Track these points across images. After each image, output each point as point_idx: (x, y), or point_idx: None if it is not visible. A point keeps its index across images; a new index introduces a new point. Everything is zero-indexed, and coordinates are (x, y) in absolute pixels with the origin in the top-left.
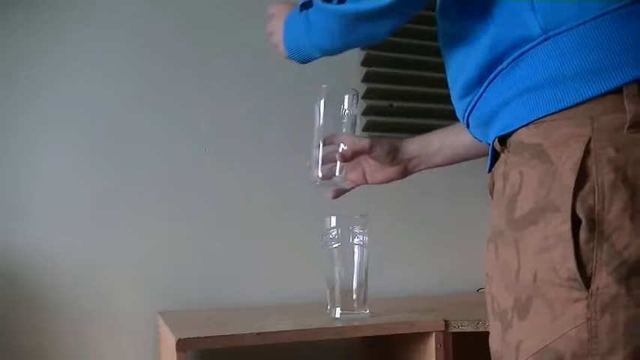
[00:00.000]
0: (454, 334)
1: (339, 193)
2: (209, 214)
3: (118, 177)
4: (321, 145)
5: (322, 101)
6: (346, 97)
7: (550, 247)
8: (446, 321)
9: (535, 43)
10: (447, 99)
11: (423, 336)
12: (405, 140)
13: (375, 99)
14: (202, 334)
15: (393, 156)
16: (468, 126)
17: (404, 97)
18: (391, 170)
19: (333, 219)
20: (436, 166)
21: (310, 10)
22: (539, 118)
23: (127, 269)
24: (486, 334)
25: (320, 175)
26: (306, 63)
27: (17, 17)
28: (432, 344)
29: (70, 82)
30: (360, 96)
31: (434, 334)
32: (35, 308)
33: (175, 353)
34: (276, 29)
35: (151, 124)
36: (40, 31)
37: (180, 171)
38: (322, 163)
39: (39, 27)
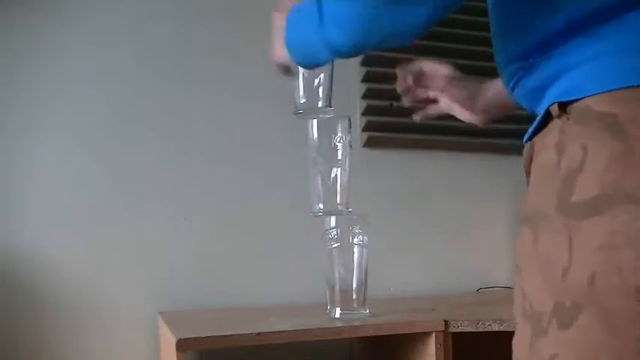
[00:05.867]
0: (454, 334)
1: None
2: (209, 214)
3: (118, 177)
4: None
5: (314, 130)
6: (339, 124)
7: (618, 246)
8: (446, 321)
9: (627, 4)
10: None
11: (423, 336)
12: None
13: (375, 99)
14: (202, 334)
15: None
16: (512, 90)
17: None
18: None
19: (333, 219)
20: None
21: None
22: (620, 89)
23: (127, 269)
24: (486, 334)
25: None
26: (310, 69)
27: (15, 14)
28: (432, 344)
29: (68, 81)
30: (360, 96)
31: (434, 334)
32: (34, 309)
33: (175, 353)
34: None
35: (150, 122)
36: (38, 27)
37: (180, 170)
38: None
39: (37, 24)
